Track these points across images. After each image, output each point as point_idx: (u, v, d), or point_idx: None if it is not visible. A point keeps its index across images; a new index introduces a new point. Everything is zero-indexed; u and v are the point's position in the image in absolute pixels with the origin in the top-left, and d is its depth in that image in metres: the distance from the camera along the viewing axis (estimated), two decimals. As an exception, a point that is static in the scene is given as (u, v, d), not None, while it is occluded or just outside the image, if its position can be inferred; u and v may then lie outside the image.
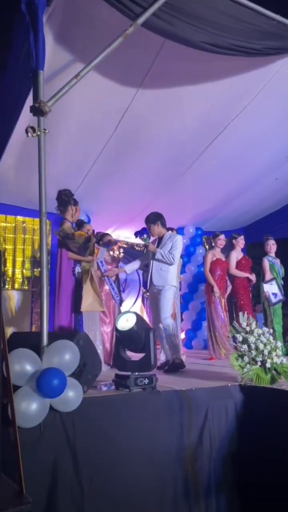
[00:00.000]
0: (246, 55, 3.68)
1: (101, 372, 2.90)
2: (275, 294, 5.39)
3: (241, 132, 5.11)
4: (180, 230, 7.46)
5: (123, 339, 2.94)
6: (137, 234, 4.82)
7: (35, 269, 5.81)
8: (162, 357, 4.69)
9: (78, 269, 4.04)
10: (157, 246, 4.67)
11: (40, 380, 2.28)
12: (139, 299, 8.25)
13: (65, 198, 4.21)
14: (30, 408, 2.28)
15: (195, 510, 2.68)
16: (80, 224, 4.57)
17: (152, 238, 4.85)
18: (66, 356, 2.44)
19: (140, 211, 6.40)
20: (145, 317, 6.71)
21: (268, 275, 5.62)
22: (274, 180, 6.42)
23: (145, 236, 4.67)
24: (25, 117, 3.63)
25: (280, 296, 5.45)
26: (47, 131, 2.71)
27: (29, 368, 2.37)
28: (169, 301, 4.52)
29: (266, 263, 5.72)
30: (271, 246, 5.77)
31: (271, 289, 5.38)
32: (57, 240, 4.08)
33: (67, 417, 2.45)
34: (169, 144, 5.20)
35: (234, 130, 5.02)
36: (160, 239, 4.77)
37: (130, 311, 3.05)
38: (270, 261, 5.73)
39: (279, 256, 5.95)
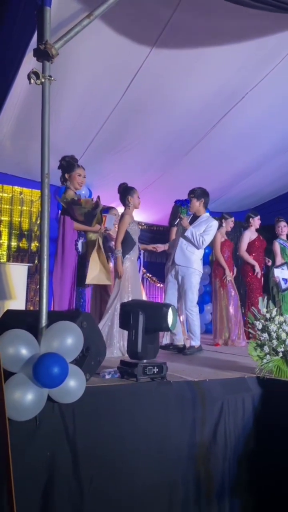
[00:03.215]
0: (277, 10, 3.28)
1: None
2: (285, 280, 5.10)
3: (257, 104, 4.73)
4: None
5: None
6: (178, 201, 4.46)
7: (32, 243, 5.47)
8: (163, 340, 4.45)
9: (82, 240, 3.70)
10: (190, 224, 4.36)
11: (38, 367, 1.95)
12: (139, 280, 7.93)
13: (66, 164, 3.84)
14: (24, 398, 1.95)
15: (207, 514, 2.40)
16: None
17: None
18: (68, 339, 2.10)
19: (145, 187, 6.03)
20: (145, 299, 6.39)
21: (279, 259, 5.32)
22: (287, 160, 6.07)
23: (183, 207, 4.31)
24: (24, 78, 3.20)
25: (290, 282, 5.16)
26: (53, 79, 2.32)
27: (24, 352, 2.04)
28: (196, 288, 4.26)
29: (277, 246, 5.40)
30: (283, 228, 5.45)
31: (282, 274, 5.08)
32: (60, 207, 3.72)
33: (66, 409, 2.14)
34: (179, 115, 4.81)
35: (250, 102, 4.64)
36: (195, 218, 4.44)
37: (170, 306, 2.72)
38: (281, 244, 5.42)
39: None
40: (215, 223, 4.39)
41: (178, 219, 4.40)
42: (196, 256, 4.28)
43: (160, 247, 4.82)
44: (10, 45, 3.58)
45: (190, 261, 4.24)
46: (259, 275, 5.25)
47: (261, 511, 2.53)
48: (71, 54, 3.29)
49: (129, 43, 3.71)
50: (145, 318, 2.53)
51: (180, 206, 4.32)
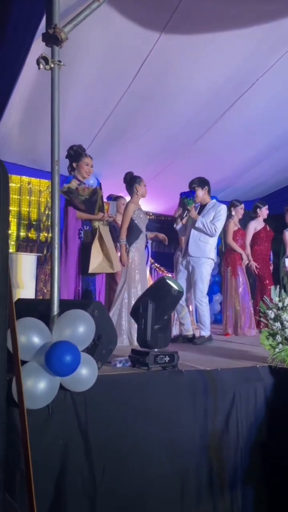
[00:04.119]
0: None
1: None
2: (296, 270, 5.04)
3: (267, 92, 4.65)
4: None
5: (165, 304, 2.55)
6: (183, 194, 4.42)
7: (41, 233, 5.45)
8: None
9: (85, 228, 3.69)
10: (199, 214, 4.32)
11: (50, 355, 1.94)
12: (147, 271, 7.91)
13: (73, 153, 3.81)
14: (37, 386, 1.94)
15: (220, 504, 2.39)
16: None
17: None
18: (80, 328, 2.09)
19: (153, 176, 5.98)
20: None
21: (289, 249, 5.26)
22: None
23: (189, 199, 4.27)
24: (32, 64, 3.14)
25: (301, 272, 5.10)
26: (62, 64, 2.27)
27: (37, 340, 2.02)
28: (206, 278, 4.24)
29: (287, 236, 5.33)
30: (294, 218, 5.38)
31: (292, 264, 5.02)
32: (64, 200, 3.70)
33: (78, 398, 2.13)
34: (188, 103, 4.74)
35: (260, 89, 4.56)
36: (202, 207, 4.41)
37: (170, 278, 2.68)
38: (292, 234, 5.35)
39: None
40: (223, 207, 4.35)
41: (186, 211, 4.35)
42: (210, 245, 4.26)
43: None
44: (18, 30, 3.52)
45: (205, 251, 4.22)
46: (245, 263, 5.15)
47: (274, 500, 2.52)
48: (79, 39, 3.23)
49: (138, 28, 3.65)
50: (154, 306, 2.50)
51: (186, 197, 4.28)
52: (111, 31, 3.62)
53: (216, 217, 4.24)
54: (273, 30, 3.78)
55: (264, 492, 2.53)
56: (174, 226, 4.76)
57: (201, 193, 4.40)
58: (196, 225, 4.23)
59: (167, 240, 5.02)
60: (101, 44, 3.72)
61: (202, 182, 4.43)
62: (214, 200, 4.46)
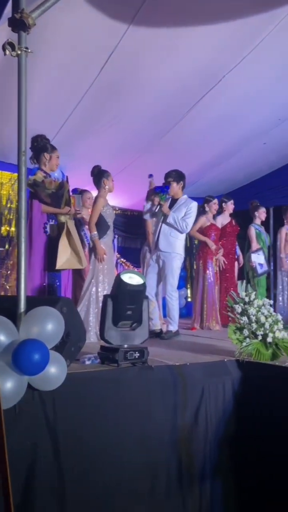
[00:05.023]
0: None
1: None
2: (261, 265, 5.15)
3: (235, 87, 4.69)
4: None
5: (125, 297, 2.52)
6: (157, 188, 4.37)
7: (2, 227, 5.27)
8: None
9: (51, 222, 3.59)
10: (170, 208, 4.30)
11: (18, 354, 1.87)
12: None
13: (37, 145, 3.70)
14: (3, 386, 1.87)
15: (189, 497, 2.41)
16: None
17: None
18: (49, 325, 2.03)
19: (119, 170, 5.92)
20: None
21: (254, 244, 5.35)
22: (262, 145, 6.08)
23: (163, 194, 4.23)
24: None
25: (265, 267, 5.21)
26: (29, 51, 2.19)
27: (2, 338, 1.94)
28: (177, 273, 4.25)
29: (252, 231, 5.43)
30: (261, 213, 5.48)
31: (258, 259, 5.12)
32: (29, 192, 3.58)
33: (46, 397, 2.07)
34: (156, 97, 4.71)
35: (228, 84, 4.59)
36: (173, 201, 4.38)
37: (134, 271, 2.64)
38: (257, 229, 5.45)
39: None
40: (194, 204, 4.36)
41: (158, 206, 4.33)
42: (180, 241, 4.28)
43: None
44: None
45: (175, 247, 4.23)
46: (219, 255, 5.22)
47: (242, 493, 2.56)
48: (46, 27, 3.13)
49: (106, 19, 3.58)
50: (112, 303, 2.51)
51: (160, 193, 4.25)
52: (79, 21, 3.53)
53: (187, 214, 4.25)
54: (240, 27, 3.81)
55: (232, 485, 2.57)
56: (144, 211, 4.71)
57: (176, 187, 4.38)
58: (168, 221, 4.23)
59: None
60: (68, 33, 3.62)
61: (179, 176, 4.40)
62: (186, 196, 4.45)
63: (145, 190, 5.33)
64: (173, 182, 4.36)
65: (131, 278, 2.47)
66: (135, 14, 3.59)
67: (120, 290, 2.51)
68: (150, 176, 5.25)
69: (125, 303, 2.53)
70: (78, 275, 4.50)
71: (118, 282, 2.51)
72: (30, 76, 3.65)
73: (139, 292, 2.52)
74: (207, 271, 5.09)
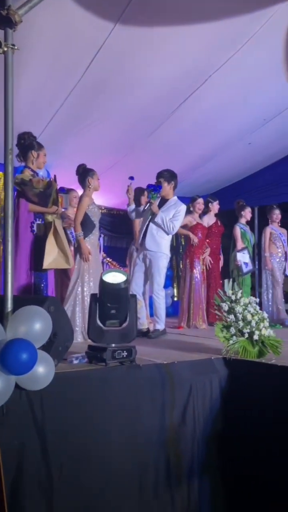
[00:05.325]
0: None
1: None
2: (246, 264, 5.20)
3: (221, 87, 4.72)
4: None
5: (106, 298, 2.51)
6: (150, 186, 4.35)
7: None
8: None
9: (38, 221, 3.56)
10: (159, 207, 4.30)
11: (5, 354, 1.85)
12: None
13: (24, 142, 3.67)
14: (-10, 387, 1.86)
15: (177, 495, 2.41)
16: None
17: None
18: (36, 325, 2.01)
19: (105, 169, 5.90)
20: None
21: (239, 244, 5.40)
22: (247, 145, 6.13)
23: (155, 193, 4.22)
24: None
25: (250, 266, 5.27)
26: (16, 48, 2.17)
27: (-11, 338, 1.93)
28: (163, 271, 4.26)
29: (237, 230, 5.48)
30: (247, 212, 5.53)
31: (243, 258, 5.17)
32: (15, 190, 3.54)
33: (34, 396, 2.06)
34: (142, 96, 4.71)
35: (214, 84, 4.61)
36: (163, 201, 4.37)
37: (119, 270, 2.63)
38: (242, 229, 5.50)
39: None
40: (183, 208, 4.38)
41: (147, 204, 4.33)
42: (166, 241, 4.29)
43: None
44: None
45: (160, 246, 4.23)
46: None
47: (229, 489, 2.58)
48: (33, 24, 3.10)
49: (93, 17, 3.56)
50: (96, 302, 2.52)
51: (152, 191, 4.25)
52: (65, 18, 3.50)
53: (175, 216, 4.26)
54: (227, 27, 3.83)
55: (220, 482, 2.58)
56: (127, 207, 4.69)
57: (167, 187, 4.38)
58: (156, 220, 4.23)
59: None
60: (55, 30, 3.59)
61: (170, 176, 4.40)
62: (176, 198, 4.46)
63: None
64: (164, 182, 4.36)
65: (115, 277, 2.46)
66: (122, 12, 3.58)
67: (102, 290, 2.51)
68: (131, 178, 5.20)
69: (108, 303, 2.52)
70: (64, 274, 4.47)
71: (100, 281, 2.51)
72: (16, 70, 3.65)
73: (121, 291, 2.50)
74: (194, 270, 5.12)
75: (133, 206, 4.62)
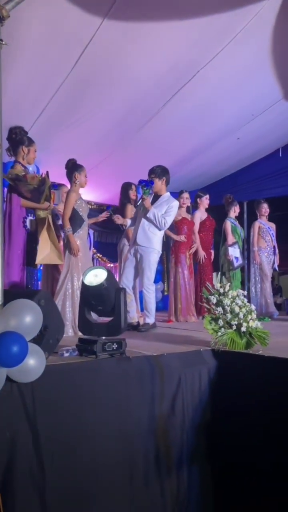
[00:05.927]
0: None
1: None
2: (237, 258, 5.26)
3: (209, 82, 4.76)
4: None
5: (89, 298, 2.54)
6: (142, 182, 4.34)
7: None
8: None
9: (30, 217, 3.57)
10: (152, 203, 4.32)
11: (-4, 346, 1.88)
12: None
13: (15, 137, 3.67)
14: (-18, 379, 1.88)
15: (167, 484, 2.46)
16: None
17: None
18: (27, 318, 2.03)
19: (94, 164, 5.91)
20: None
21: (230, 238, 5.46)
22: (236, 140, 6.19)
23: (147, 188, 4.23)
24: None
25: (240, 261, 5.34)
26: (4, 43, 2.18)
27: (-20, 331, 1.95)
28: (154, 266, 4.29)
29: (228, 225, 5.53)
30: (235, 208, 5.59)
31: (234, 252, 5.23)
32: (7, 185, 3.55)
33: (25, 389, 2.08)
34: (131, 91, 4.73)
35: (202, 79, 4.66)
36: (156, 197, 4.40)
37: (100, 267, 2.66)
38: (232, 223, 5.55)
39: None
40: (175, 204, 4.41)
41: (140, 200, 4.36)
42: (157, 237, 4.31)
43: (120, 219, 4.65)
44: None
45: (152, 242, 4.26)
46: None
47: (218, 478, 2.63)
48: (21, 19, 3.11)
49: (80, 12, 3.57)
50: (86, 294, 2.55)
51: (145, 186, 4.27)
52: (53, 13, 3.51)
53: (168, 212, 4.29)
54: (215, 23, 3.87)
55: (209, 470, 2.63)
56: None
57: (159, 183, 4.39)
58: (148, 215, 4.26)
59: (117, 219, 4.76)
60: (42, 25, 3.60)
61: (162, 172, 4.41)
62: (168, 194, 4.48)
63: (120, 185, 5.30)
64: (155, 178, 4.38)
65: (96, 277, 2.49)
66: (109, 8, 3.59)
67: (85, 292, 2.55)
68: (108, 208, 5.16)
69: (93, 301, 2.56)
70: (54, 269, 4.49)
71: (82, 284, 2.54)
72: (4, 65, 3.65)
73: (102, 291, 2.49)
74: (179, 265, 5.16)
75: (128, 222, 4.64)
